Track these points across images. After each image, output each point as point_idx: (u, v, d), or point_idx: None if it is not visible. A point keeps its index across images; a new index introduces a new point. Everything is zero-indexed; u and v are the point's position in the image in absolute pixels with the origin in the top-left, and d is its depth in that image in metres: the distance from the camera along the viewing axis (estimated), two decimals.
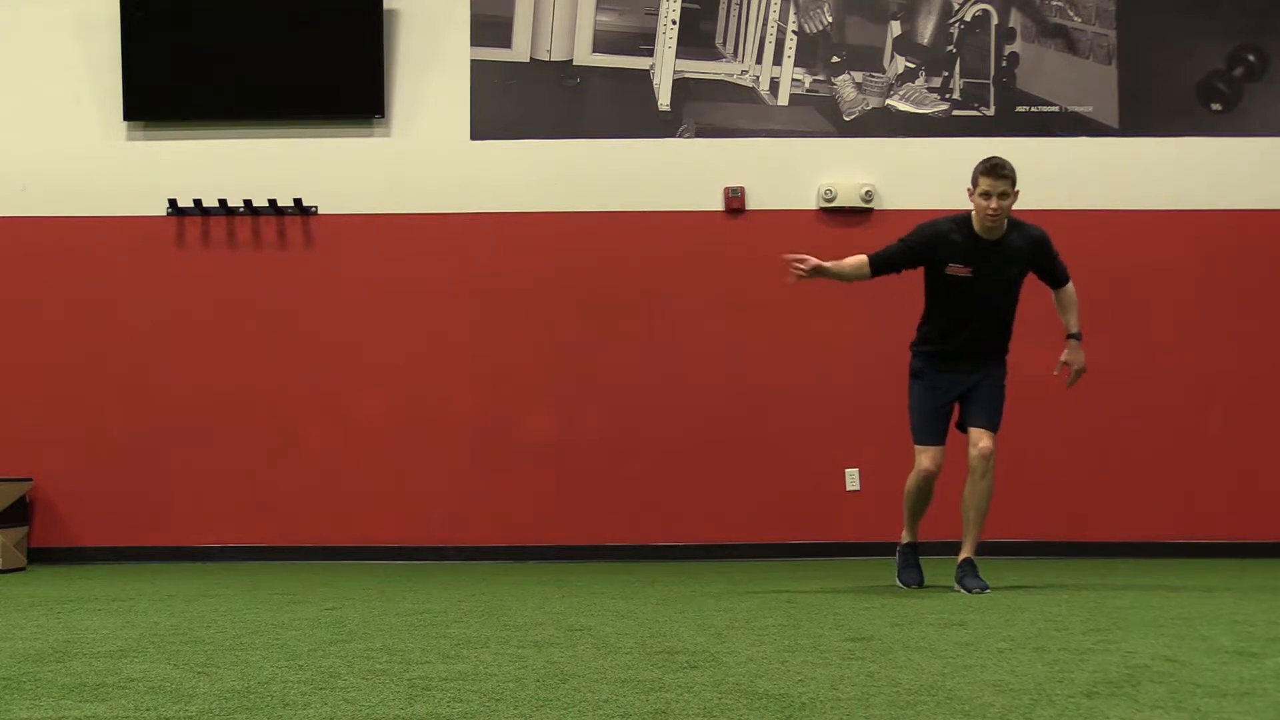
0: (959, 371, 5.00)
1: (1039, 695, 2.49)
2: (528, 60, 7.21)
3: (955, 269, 4.92)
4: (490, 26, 7.21)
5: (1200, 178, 7.12)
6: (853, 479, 6.99)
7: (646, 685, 2.62)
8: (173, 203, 7.13)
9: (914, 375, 5.11)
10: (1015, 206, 4.87)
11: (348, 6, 7.11)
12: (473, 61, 7.20)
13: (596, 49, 7.21)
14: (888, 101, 7.21)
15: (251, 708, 2.40)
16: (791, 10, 7.21)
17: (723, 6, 7.22)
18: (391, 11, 7.19)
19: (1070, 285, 5.17)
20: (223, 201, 7.11)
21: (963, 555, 5.03)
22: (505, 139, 7.17)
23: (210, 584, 5.46)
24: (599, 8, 7.22)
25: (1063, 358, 5.20)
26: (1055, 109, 7.18)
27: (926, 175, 7.13)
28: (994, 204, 4.80)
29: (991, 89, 7.21)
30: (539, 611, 4.14)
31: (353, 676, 2.76)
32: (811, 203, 7.14)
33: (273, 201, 7.12)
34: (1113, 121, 7.17)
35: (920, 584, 5.18)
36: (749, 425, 7.02)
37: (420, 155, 7.17)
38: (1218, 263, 7.08)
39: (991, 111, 7.19)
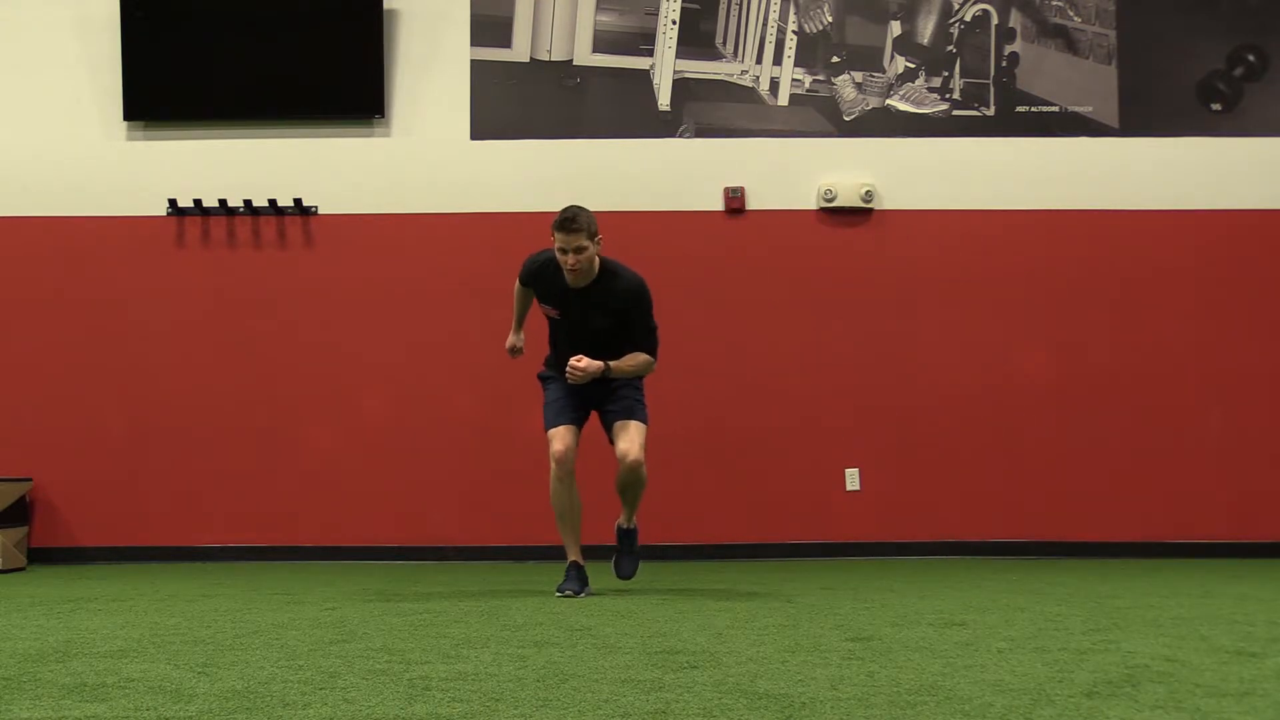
0: (582, 391, 4.82)
1: (1039, 695, 2.49)
2: (528, 60, 7.21)
3: (547, 308, 4.84)
4: (490, 26, 7.21)
5: (1200, 178, 7.12)
6: (853, 479, 6.99)
7: (646, 685, 2.62)
8: (173, 203, 7.13)
9: (543, 380, 5.00)
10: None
11: (348, 6, 7.11)
12: (473, 61, 7.20)
13: (596, 49, 7.21)
14: (888, 101, 7.21)
15: (251, 708, 2.40)
16: (791, 10, 7.21)
17: (723, 6, 7.22)
18: (391, 11, 7.19)
19: (646, 358, 4.80)
20: (223, 201, 7.11)
21: (631, 526, 5.02)
22: (505, 139, 7.17)
23: (210, 584, 5.45)
24: (599, 8, 7.22)
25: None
26: (1055, 109, 7.18)
27: (926, 175, 7.14)
28: (570, 259, 4.61)
29: (991, 89, 7.21)
30: (539, 611, 4.14)
31: (353, 676, 2.76)
32: (811, 203, 7.14)
33: (273, 201, 7.12)
34: (1113, 121, 7.17)
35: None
36: (749, 425, 7.02)
37: (420, 155, 7.17)
38: (1218, 263, 7.08)
39: (991, 111, 7.19)
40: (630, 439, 4.77)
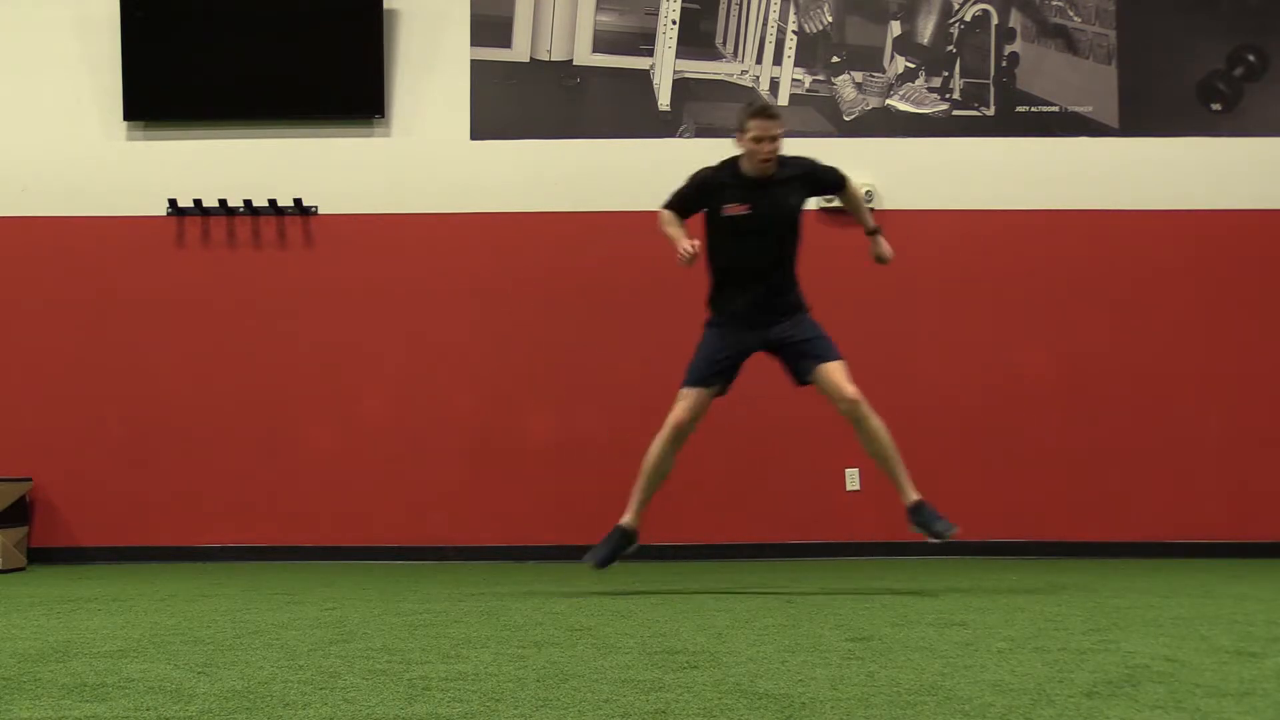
0: (757, 329, 4.87)
1: (1039, 695, 2.49)
2: (528, 60, 7.21)
3: (732, 208, 4.81)
4: (490, 26, 7.21)
5: (1200, 178, 7.12)
6: (853, 479, 6.99)
7: (646, 685, 2.62)
8: (173, 203, 7.13)
9: (707, 326, 4.98)
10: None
11: (348, 6, 7.11)
12: (473, 61, 7.20)
13: (596, 49, 7.21)
14: (888, 101, 7.21)
15: (251, 708, 2.40)
16: (791, 10, 7.21)
17: (723, 6, 7.22)
18: (391, 11, 7.19)
19: (850, 183, 5.05)
20: (223, 201, 7.11)
21: (913, 499, 4.76)
22: (505, 139, 7.17)
23: (210, 584, 5.45)
24: (599, 8, 7.22)
25: (873, 254, 5.13)
26: (1055, 109, 7.18)
27: (926, 175, 7.14)
28: (767, 147, 4.74)
29: (991, 89, 7.21)
30: (539, 611, 4.14)
31: (353, 676, 2.76)
32: (811, 202, 7.11)
33: (273, 201, 7.12)
34: (1113, 121, 7.17)
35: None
36: (749, 425, 7.01)
37: (420, 155, 7.17)
38: (1218, 263, 7.08)
39: (991, 111, 7.19)
40: (839, 378, 4.77)
